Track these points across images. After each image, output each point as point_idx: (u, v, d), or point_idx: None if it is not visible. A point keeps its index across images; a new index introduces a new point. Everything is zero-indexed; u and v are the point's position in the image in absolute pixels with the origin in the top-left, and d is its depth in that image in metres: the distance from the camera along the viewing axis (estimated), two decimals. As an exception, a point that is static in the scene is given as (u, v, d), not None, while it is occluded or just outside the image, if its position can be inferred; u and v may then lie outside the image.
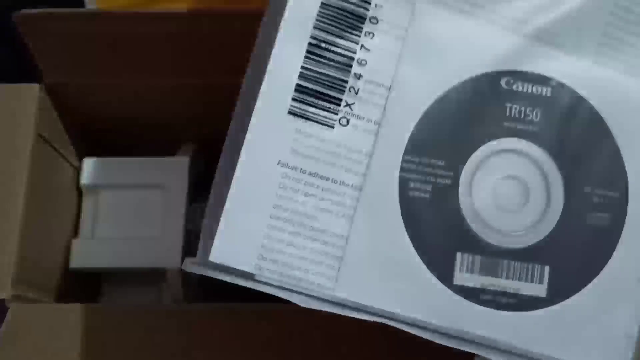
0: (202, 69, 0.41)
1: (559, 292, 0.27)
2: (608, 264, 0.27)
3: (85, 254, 0.43)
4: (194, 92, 0.43)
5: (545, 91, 0.27)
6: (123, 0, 0.47)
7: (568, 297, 0.27)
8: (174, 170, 0.45)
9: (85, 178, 0.45)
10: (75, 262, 0.43)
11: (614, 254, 0.27)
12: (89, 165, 0.45)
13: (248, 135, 0.26)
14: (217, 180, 0.26)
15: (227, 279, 0.25)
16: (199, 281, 0.44)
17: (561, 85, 0.27)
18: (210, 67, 0.41)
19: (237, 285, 0.25)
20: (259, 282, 0.25)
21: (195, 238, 0.42)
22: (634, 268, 0.28)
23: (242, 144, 0.26)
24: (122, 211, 0.45)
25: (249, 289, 0.25)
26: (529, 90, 0.27)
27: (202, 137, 0.47)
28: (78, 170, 0.45)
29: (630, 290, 0.27)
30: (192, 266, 0.25)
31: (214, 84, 0.41)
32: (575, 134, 0.27)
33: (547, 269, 0.27)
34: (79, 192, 0.45)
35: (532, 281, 0.27)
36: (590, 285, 0.27)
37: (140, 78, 0.42)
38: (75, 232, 0.44)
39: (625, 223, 0.28)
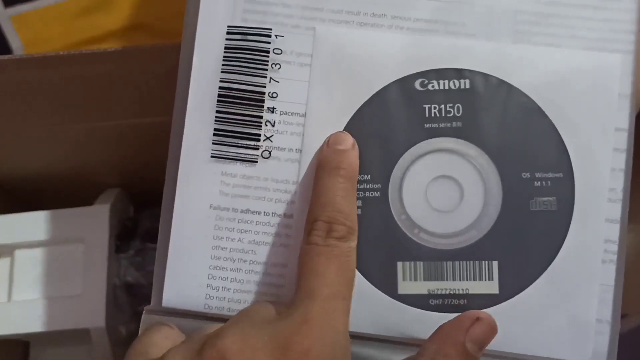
0: (118, 110, 0.39)
1: (512, 285, 0.26)
2: (562, 248, 0.26)
3: (3, 320, 0.41)
4: (111, 134, 0.41)
5: (464, 83, 0.27)
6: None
7: (523, 289, 0.26)
8: (94, 219, 0.42)
9: None
10: (-7, 330, 0.40)
11: (567, 237, 0.26)
12: (1, 223, 0.42)
13: (178, 185, 0.27)
14: (160, 230, 0.28)
15: (184, 322, 0.27)
16: (130, 339, 0.43)
17: (479, 74, 0.27)
18: (128, 107, 0.39)
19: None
20: (212, 319, 0.27)
21: (121, 292, 0.42)
22: (594, 247, 0.26)
23: (175, 189, 0.27)
24: (39, 270, 0.42)
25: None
26: (446, 87, 0.27)
27: (127, 182, 0.45)
28: None
29: (594, 273, 0.26)
30: (149, 316, 0.27)
31: (134, 123, 0.40)
32: (503, 120, 0.26)
33: (495, 264, 0.26)
34: None
35: (481, 279, 0.26)
36: (545, 274, 0.26)
37: (54, 122, 0.40)
38: None
39: (575, 203, 0.26)
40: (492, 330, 0.24)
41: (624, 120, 0.26)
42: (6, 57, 0.36)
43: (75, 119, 0.40)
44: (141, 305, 0.43)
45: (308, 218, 0.25)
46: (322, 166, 0.26)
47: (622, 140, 0.26)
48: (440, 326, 0.24)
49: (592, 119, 0.26)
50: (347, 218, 0.25)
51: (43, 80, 0.37)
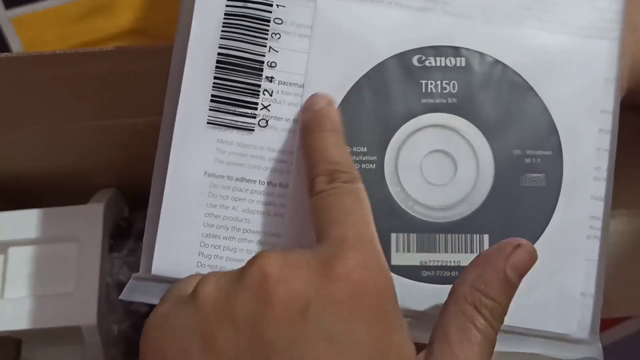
0: (113, 109, 0.39)
1: (502, 258, 0.27)
2: (550, 223, 0.27)
3: None
4: (109, 134, 0.41)
5: (460, 61, 0.27)
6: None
7: (512, 262, 0.27)
8: (88, 218, 0.42)
9: None
10: (-15, 327, 0.40)
11: (555, 213, 0.27)
12: None
13: (172, 151, 0.27)
14: (151, 198, 0.27)
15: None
16: (121, 338, 0.43)
17: (475, 52, 0.27)
18: (123, 106, 0.39)
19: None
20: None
21: (113, 291, 0.42)
22: (580, 223, 0.27)
23: (168, 155, 0.27)
24: (33, 268, 0.42)
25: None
26: (443, 64, 0.27)
27: (123, 182, 0.45)
28: None
29: (579, 248, 0.27)
30: (136, 282, 0.27)
31: (129, 123, 0.40)
32: (497, 98, 0.27)
33: (486, 237, 0.27)
34: None
35: (472, 252, 0.27)
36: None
37: (49, 122, 0.40)
38: None
39: (563, 180, 0.27)
40: (532, 257, 0.23)
41: (609, 103, 0.27)
42: (2, 55, 0.36)
43: (71, 118, 0.40)
44: (133, 304, 0.42)
45: (308, 179, 0.25)
46: (305, 129, 0.26)
47: (607, 121, 0.27)
48: (480, 253, 0.24)
49: (580, 100, 0.27)
50: (346, 166, 0.25)
51: (39, 79, 0.37)
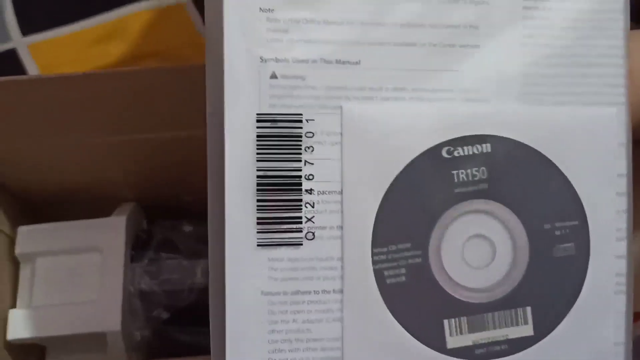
0: (135, 124, 0.42)
1: (545, 326, 0.29)
2: (584, 286, 0.29)
3: (23, 324, 0.43)
4: (129, 149, 0.44)
5: (485, 147, 0.29)
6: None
7: (554, 327, 0.29)
8: (111, 230, 0.45)
9: (20, 247, 0.45)
10: (12, 334, 0.43)
11: (587, 275, 0.29)
12: (23, 233, 0.45)
13: (227, 277, 0.27)
14: (212, 319, 0.28)
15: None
16: (143, 344, 0.45)
17: (497, 137, 0.29)
18: (143, 122, 0.42)
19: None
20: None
21: (135, 299, 0.44)
22: (608, 281, 0.29)
23: (223, 279, 0.28)
24: (59, 277, 0.45)
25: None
26: (470, 152, 0.29)
27: (141, 195, 0.49)
28: (13, 240, 0.45)
29: (609, 303, 0.29)
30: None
31: (148, 139, 0.42)
32: (524, 179, 0.29)
33: (529, 309, 0.29)
34: (16, 262, 0.45)
35: (517, 324, 0.29)
36: (572, 311, 0.29)
37: (73, 138, 0.42)
38: (14, 302, 0.44)
39: (591, 245, 0.29)
40: None
41: (623, 167, 0.29)
42: (25, 77, 0.42)
43: (93, 135, 0.42)
44: (154, 311, 0.45)
45: None
46: None
47: (623, 184, 0.29)
48: None
49: (598, 168, 0.29)
50: None
51: (62, 98, 0.39)
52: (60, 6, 0.61)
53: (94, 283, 0.44)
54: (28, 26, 0.59)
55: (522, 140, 0.29)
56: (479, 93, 0.29)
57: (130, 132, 0.42)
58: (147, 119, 0.41)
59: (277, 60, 0.27)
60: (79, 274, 0.44)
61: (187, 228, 0.48)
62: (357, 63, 0.28)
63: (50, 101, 0.40)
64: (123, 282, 0.43)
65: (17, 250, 0.45)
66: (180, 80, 0.37)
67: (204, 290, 0.44)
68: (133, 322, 0.45)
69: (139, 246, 0.46)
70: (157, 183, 0.49)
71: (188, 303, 0.45)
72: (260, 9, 0.27)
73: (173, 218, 0.49)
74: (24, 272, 0.45)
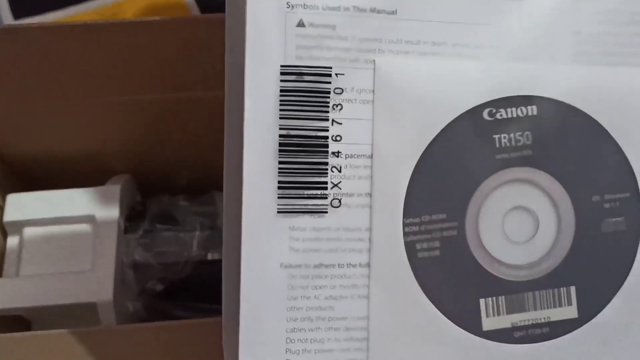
0: (136, 84, 0.40)
1: (590, 307, 0.27)
2: (634, 265, 0.27)
3: (9, 294, 0.41)
4: (127, 112, 0.42)
5: (531, 110, 0.26)
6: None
7: (600, 310, 0.27)
8: (105, 200, 0.43)
9: (8, 215, 0.43)
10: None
11: (638, 254, 0.27)
12: (12, 201, 0.43)
13: (243, 248, 0.25)
14: (225, 296, 0.26)
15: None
16: (136, 317, 0.44)
17: (545, 99, 0.26)
18: (144, 82, 0.39)
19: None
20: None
21: (129, 270, 0.43)
22: (660, 261, 0.27)
23: (238, 249, 0.25)
24: (49, 247, 0.43)
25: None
26: (514, 115, 0.26)
27: (137, 169, 0.47)
28: (2, 208, 0.44)
29: (661, 285, 0.27)
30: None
31: (150, 100, 0.40)
32: (572, 146, 0.26)
33: (573, 289, 0.26)
34: (5, 232, 0.44)
35: (560, 305, 0.26)
36: (620, 292, 0.27)
37: (68, 99, 0.40)
38: (1, 272, 0.43)
39: (643, 220, 0.27)
40: None
41: (680, 136, 0.27)
42: (15, 24, 0.35)
43: (93, 94, 0.40)
44: (148, 283, 0.44)
45: None
46: None
47: None
48: None
49: (653, 137, 0.27)
50: None
51: (57, 53, 0.37)
52: None
53: (85, 253, 0.42)
54: (20, 10, 0.58)
55: (571, 103, 0.26)
56: (526, 50, 0.26)
57: (130, 93, 0.40)
58: (149, 77, 0.39)
59: (305, 6, 0.24)
60: (70, 244, 0.43)
61: (184, 203, 0.47)
62: (394, 13, 0.25)
63: (44, 56, 0.37)
64: (116, 253, 0.42)
65: (5, 218, 0.43)
66: (186, 33, 0.34)
67: (200, 264, 0.43)
68: (125, 293, 0.43)
69: (133, 217, 0.45)
70: (155, 155, 0.47)
71: (183, 276, 0.44)
72: (288, -53, 0.24)
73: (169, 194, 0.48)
74: (12, 241, 0.43)
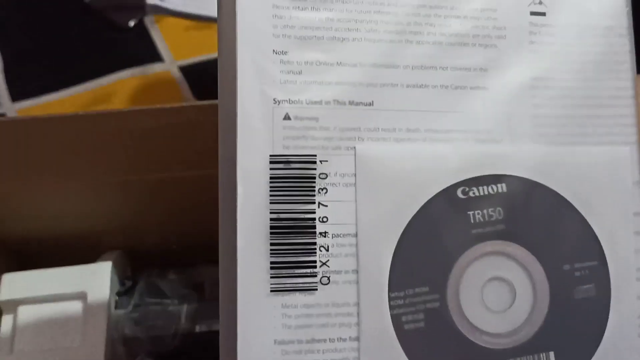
0: (127, 166, 0.42)
1: (569, 372, 0.28)
2: (607, 328, 0.28)
3: None
4: (115, 191, 0.44)
5: (501, 187, 0.28)
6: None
7: (579, 373, 0.28)
8: (96, 277, 0.45)
9: (4, 294, 0.44)
10: (-7, 380, 0.42)
11: (609, 317, 0.28)
12: (7, 281, 0.45)
13: (239, 324, 0.26)
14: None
15: None
16: None
17: (513, 177, 0.28)
18: (135, 163, 0.42)
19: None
20: None
21: (119, 345, 0.44)
22: (631, 323, 0.29)
23: (234, 326, 0.26)
24: (42, 324, 0.44)
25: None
26: (486, 192, 0.28)
27: (127, 243, 0.49)
28: None
29: (633, 346, 0.29)
30: None
31: (135, 179, 0.42)
32: (541, 219, 0.28)
33: (552, 354, 0.28)
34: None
35: (542, 370, 0.28)
36: (596, 354, 0.28)
37: (59, 181, 0.42)
38: None
39: (611, 286, 0.29)
40: None
41: (639, 205, 0.29)
42: (9, 118, 0.38)
43: (81, 176, 0.42)
44: (138, 356, 0.45)
45: None
46: None
47: None
48: None
49: (614, 207, 0.29)
50: None
51: (50, 139, 0.39)
52: (50, 74, 0.63)
53: (77, 329, 0.44)
54: (18, 93, 0.60)
55: (537, 180, 0.29)
56: (491, 133, 0.29)
57: (120, 174, 0.42)
58: (138, 160, 0.41)
59: (290, 101, 0.27)
60: (62, 320, 0.44)
61: (172, 276, 0.48)
62: (370, 104, 0.28)
63: (36, 142, 0.39)
64: (106, 328, 0.43)
65: (1, 297, 0.44)
66: (176, 120, 0.37)
67: (188, 336, 0.44)
68: (116, 367, 0.44)
69: (123, 292, 0.46)
70: (145, 229, 0.48)
71: (172, 348, 0.45)
72: (274, 51, 0.27)
73: (159, 267, 0.49)
74: (7, 319, 0.44)
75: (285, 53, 0.27)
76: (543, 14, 0.30)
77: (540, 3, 0.29)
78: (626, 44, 0.30)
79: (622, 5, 0.30)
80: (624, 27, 0.30)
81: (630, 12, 0.30)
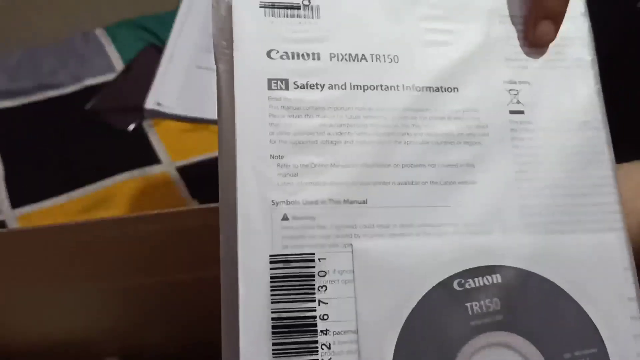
0: (117, 272, 0.42)
1: None
2: (612, 418, 0.28)
3: None
4: (114, 296, 0.44)
5: (496, 278, 0.29)
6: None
7: None
8: None
9: None
10: None
11: (613, 406, 0.28)
12: None
13: None
14: None
15: None
16: None
17: (506, 267, 0.29)
18: (127, 269, 0.42)
19: None
20: None
21: None
22: (636, 411, 0.29)
23: None
24: None
25: None
26: (481, 284, 0.29)
27: (124, 350, 0.48)
28: None
29: None
30: None
31: (130, 285, 0.42)
32: (537, 308, 0.29)
33: None
34: None
35: None
36: None
37: (55, 288, 0.42)
38: None
39: (613, 372, 0.29)
40: None
41: (632, 291, 0.30)
42: (16, 229, 0.39)
43: (76, 283, 0.42)
44: None
45: None
46: None
47: (635, 308, 0.29)
48: None
49: (608, 293, 0.29)
50: None
51: (49, 249, 0.39)
52: (48, 181, 0.64)
53: None
54: (17, 199, 0.61)
55: (530, 269, 0.29)
56: (482, 226, 0.30)
57: (115, 280, 0.42)
58: (134, 265, 0.41)
59: (288, 202, 0.28)
60: None
61: None
62: (364, 202, 0.29)
63: (32, 251, 0.40)
64: None
65: None
66: (171, 225, 0.38)
67: None
68: None
69: None
70: (141, 336, 0.48)
71: None
72: (271, 156, 0.28)
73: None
74: None
75: (281, 157, 0.29)
76: (522, 112, 0.31)
77: (518, 102, 0.31)
78: (602, 136, 0.31)
79: (595, 100, 0.32)
80: (598, 120, 0.32)
81: (604, 106, 0.32)
